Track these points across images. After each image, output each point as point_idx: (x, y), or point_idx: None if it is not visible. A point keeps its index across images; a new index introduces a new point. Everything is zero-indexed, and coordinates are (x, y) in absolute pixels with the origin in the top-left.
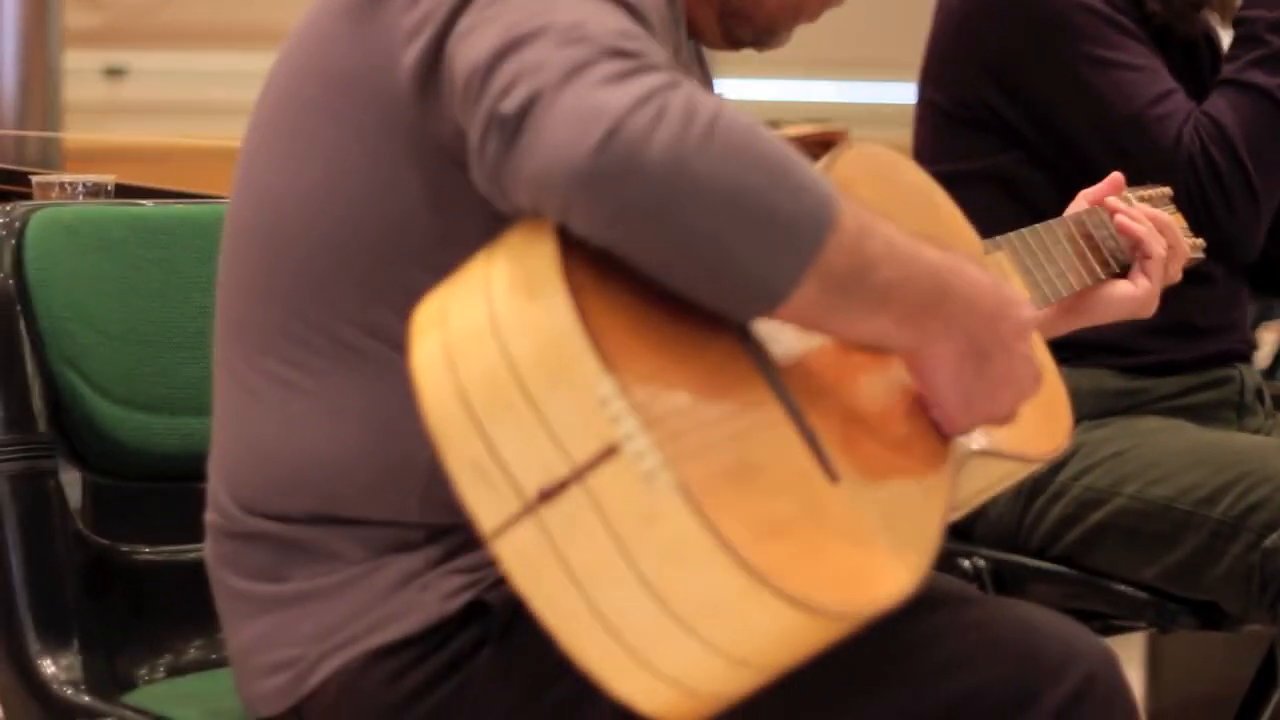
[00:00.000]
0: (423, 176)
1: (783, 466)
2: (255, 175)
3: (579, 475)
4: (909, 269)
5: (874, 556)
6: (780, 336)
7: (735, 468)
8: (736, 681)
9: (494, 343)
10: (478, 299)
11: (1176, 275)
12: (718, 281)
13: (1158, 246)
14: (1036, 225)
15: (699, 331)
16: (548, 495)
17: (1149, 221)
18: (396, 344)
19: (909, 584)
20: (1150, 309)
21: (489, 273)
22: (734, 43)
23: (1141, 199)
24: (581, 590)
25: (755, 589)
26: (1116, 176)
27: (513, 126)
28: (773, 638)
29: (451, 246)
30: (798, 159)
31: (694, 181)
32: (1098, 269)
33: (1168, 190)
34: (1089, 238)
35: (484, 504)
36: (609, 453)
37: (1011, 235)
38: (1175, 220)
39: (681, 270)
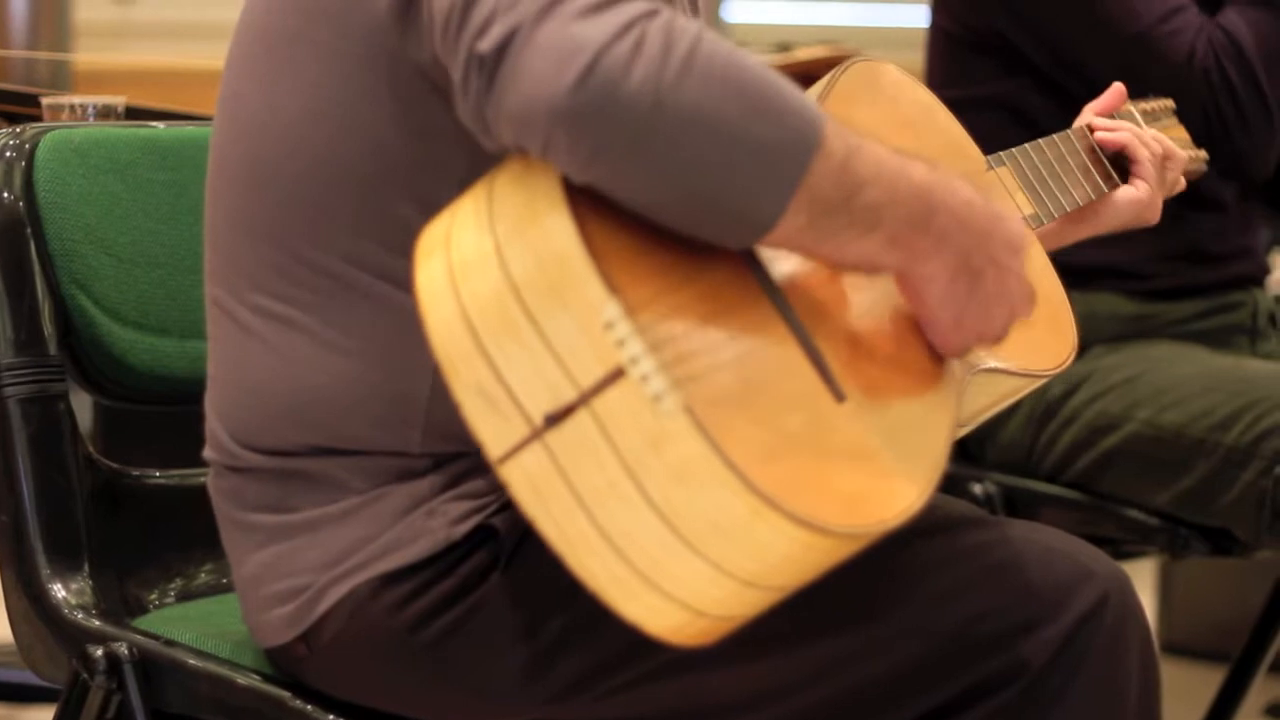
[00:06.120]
0: (403, 105)
1: (789, 387)
2: (236, 111)
3: (585, 399)
4: (897, 188)
5: (881, 475)
6: (780, 256)
7: (741, 389)
8: (745, 602)
9: (497, 266)
10: (481, 222)
11: (1178, 182)
12: (704, 212)
13: (1142, 149)
14: (1040, 140)
15: (702, 252)
16: (554, 420)
17: (1127, 129)
18: (385, 275)
19: (916, 502)
20: (1154, 214)
21: (491, 196)
22: None
23: (1144, 111)
24: (589, 514)
25: (763, 510)
26: (1119, 88)
27: (491, 65)
28: (781, 558)
29: (436, 176)
30: (780, 83)
31: (674, 113)
32: (1101, 182)
33: (1169, 102)
34: (1092, 151)
35: (491, 429)
36: (615, 376)
37: (1015, 151)
38: (1176, 133)
39: (667, 203)
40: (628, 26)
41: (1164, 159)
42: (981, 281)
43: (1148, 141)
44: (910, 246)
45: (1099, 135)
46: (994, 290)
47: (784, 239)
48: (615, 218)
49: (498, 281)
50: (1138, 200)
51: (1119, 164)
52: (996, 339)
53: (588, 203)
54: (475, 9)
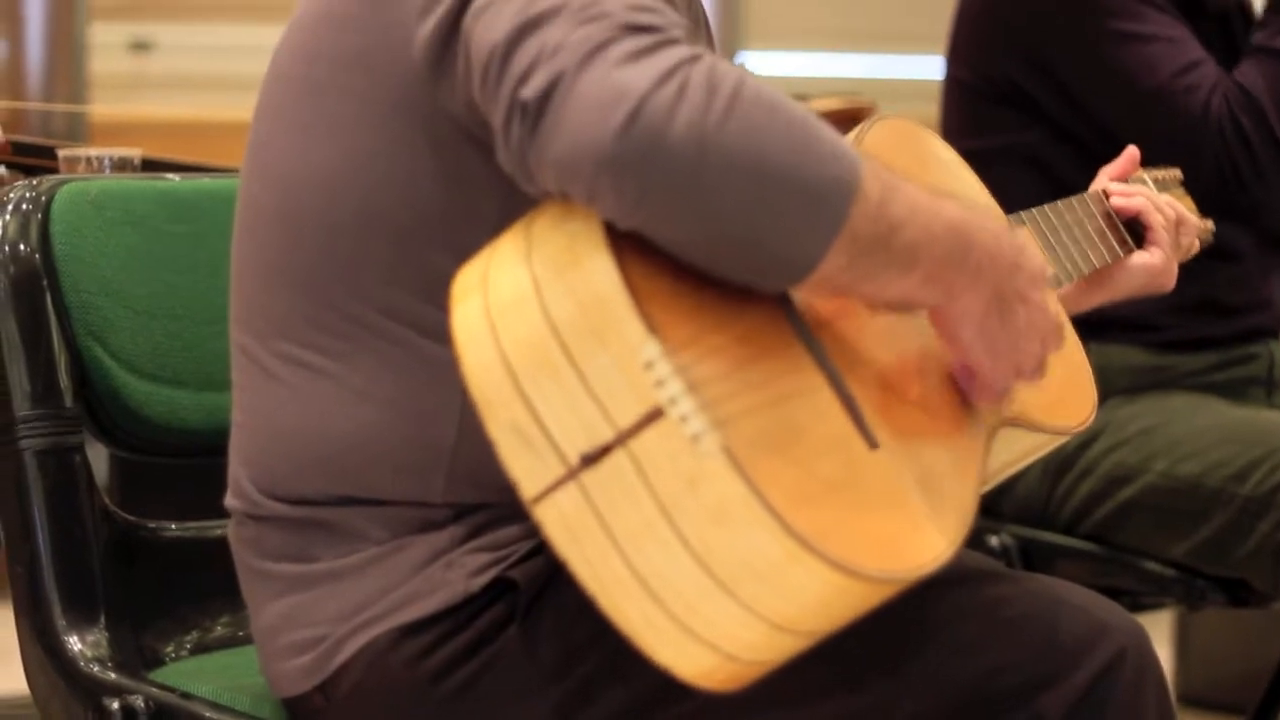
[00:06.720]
0: (437, 154)
1: (823, 432)
2: (267, 161)
3: (623, 439)
4: (932, 227)
5: (914, 522)
6: (813, 300)
7: (777, 432)
8: (776, 647)
9: (536, 306)
10: (519, 263)
11: (1193, 246)
12: (746, 256)
13: (1156, 215)
14: (1059, 201)
15: (738, 295)
16: (591, 460)
17: (1142, 195)
18: (416, 325)
19: (948, 550)
20: (1169, 279)
21: (530, 238)
22: None
23: (1155, 180)
24: (624, 555)
25: (799, 553)
26: (1133, 151)
27: (535, 112)
28: (814, 602)
29: (469, 224)
30: (820, 126)
31: (718, 158)
32: (1117, 247)
33: (1177, 173)
34: (1108, 216)
35: (526, 469)
36: (654, 416)
37: (1034, 211)
38: (1185, 203)
39: (710, 247)
40: (671, 72)
41: (1178, 224)
42: (1013, 315)
43: (1162, 208)
44: (946, 283)
45: (1115, 201)
46: (1023, 322)
47: (824, 280)
48: (653, 260)
49: (537, 323)
50: (1152, 266)
51: (1133, 230)
52: (1033, 373)
53: (627, 245)
54: (516, 56)
